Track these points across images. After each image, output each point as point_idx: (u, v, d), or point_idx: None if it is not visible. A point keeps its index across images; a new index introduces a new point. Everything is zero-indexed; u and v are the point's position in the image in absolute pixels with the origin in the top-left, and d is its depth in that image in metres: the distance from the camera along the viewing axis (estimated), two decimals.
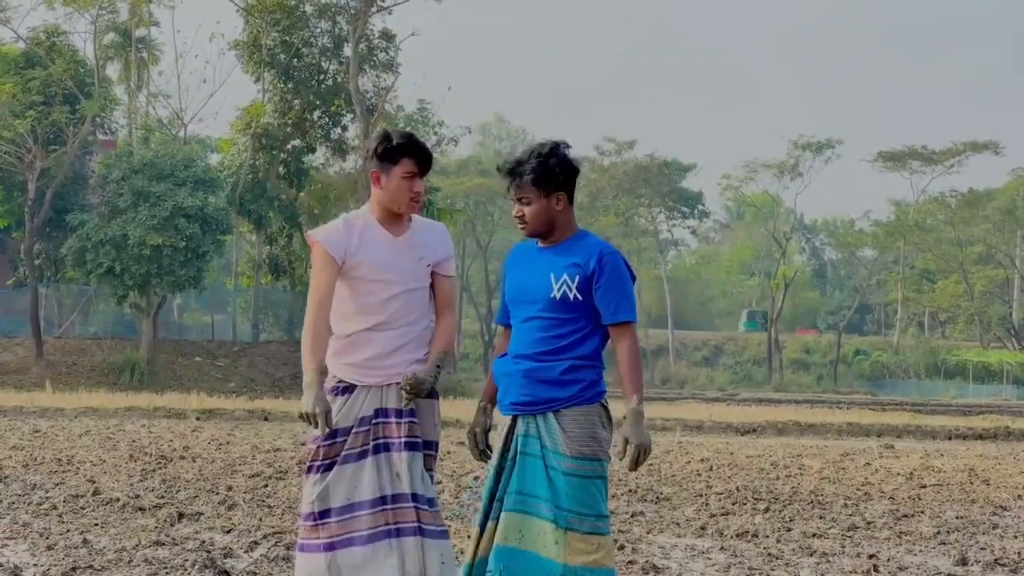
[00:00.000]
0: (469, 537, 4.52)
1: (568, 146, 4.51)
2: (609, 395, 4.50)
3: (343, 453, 4.68)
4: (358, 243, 4.74)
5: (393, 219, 4.81)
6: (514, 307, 4.55)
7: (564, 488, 4.28)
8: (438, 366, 4.73)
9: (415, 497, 4.63)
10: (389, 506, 4.62)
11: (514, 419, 4.46)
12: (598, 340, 4.45)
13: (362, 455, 4.68)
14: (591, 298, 4.38)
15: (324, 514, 4.64)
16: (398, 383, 4.70)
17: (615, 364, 4.44)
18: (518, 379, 4.43)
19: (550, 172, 4.42)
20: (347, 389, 4.75)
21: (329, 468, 4.68)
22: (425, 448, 4.76)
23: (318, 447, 4.71)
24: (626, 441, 4.30)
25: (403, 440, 4.66)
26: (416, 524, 4.60)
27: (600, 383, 4.44)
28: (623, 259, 4.45)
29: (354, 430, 4.69)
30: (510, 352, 4.52)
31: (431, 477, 4.78)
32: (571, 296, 4.37)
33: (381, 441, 4.68)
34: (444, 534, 4.65)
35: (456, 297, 4.96)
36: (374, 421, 4.70)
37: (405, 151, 4.73)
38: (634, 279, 4.46)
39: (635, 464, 4.31)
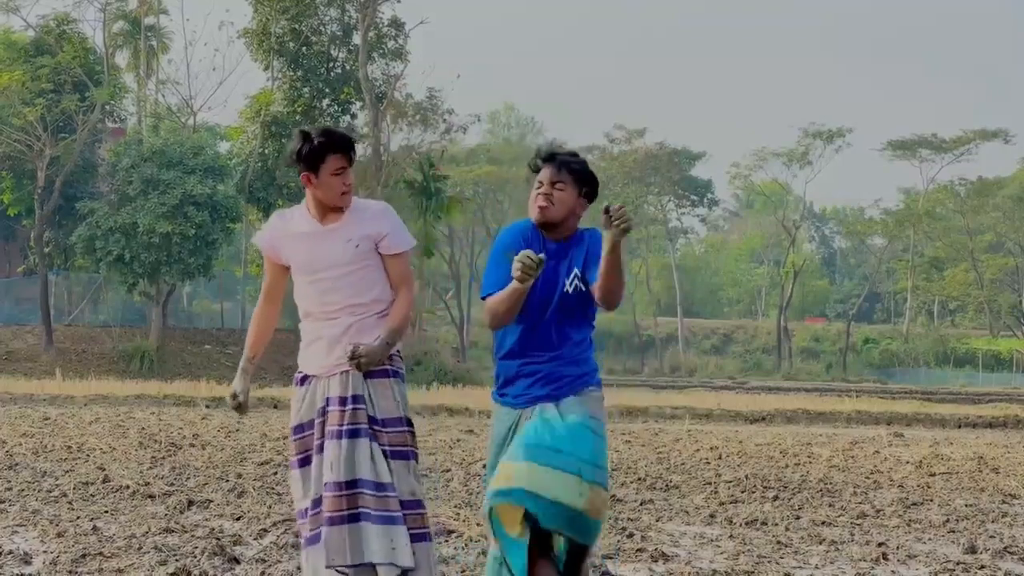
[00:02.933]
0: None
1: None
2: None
3: (315, 443, 4.73)
4: (284, 236, 4.83)
5: (327, 211, 4.79)
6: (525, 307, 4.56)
7: (589, 442, 4.38)
8: (388, 343, 4.67)
9: (358, 483, 4.59)
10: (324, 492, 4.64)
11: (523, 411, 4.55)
12: (595, 313, 4.64)
13: (322, 447, 4.71)
14: (587, 281, 4.53)
15: (317, 503, 4.69)
16: (343, 371, 4.70)
17: (602, 275, 4.42)
18: (543, 374, 4.51)
19: (592, 178, 4.61)
20: (305, 380, 4.82)
21: (307, 461, 4.75)
22: (388, 426, 4.71)
23: (293, 442, 4.81)
24: None
25: (344, 428, 4.64)
26: (345, 512, 4.57)
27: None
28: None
29: (316, 421, 4.75)
30: (527, 348, 4.53)
31: (412, 454, 4.75)
32: (581, 287, 4.52)
33: (332, 428, 4.67)
34: (395, 520, 4.55)
35: (411, 274, 4.90)
36: (327, 410, 4.71)
37: (330, 149, 4.68)
38: None
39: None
